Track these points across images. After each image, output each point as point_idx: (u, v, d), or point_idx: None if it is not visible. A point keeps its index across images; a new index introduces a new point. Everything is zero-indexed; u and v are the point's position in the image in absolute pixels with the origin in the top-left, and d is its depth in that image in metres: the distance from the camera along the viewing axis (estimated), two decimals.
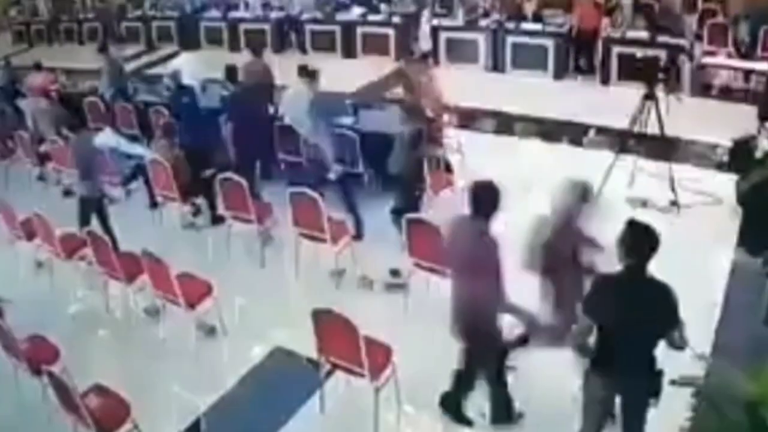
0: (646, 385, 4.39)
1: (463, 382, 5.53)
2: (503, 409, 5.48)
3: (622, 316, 4.20)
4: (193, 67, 10.54)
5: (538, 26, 13.17)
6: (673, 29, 11.82)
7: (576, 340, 4.57)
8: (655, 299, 4.20)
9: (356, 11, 15.90)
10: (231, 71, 9.90)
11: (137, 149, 9.90)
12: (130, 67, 14.34)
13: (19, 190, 10.62)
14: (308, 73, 8.79)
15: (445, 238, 5.38)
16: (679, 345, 4.29)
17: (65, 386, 5.26)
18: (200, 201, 9.23)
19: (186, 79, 10.33)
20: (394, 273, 7.43)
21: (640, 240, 4.22)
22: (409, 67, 10.38)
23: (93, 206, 8.49)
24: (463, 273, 5.06)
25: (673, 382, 4.45)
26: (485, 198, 4.86)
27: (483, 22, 13.84)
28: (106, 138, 9.89)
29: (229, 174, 8.22)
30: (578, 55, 13.22)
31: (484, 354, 5.21)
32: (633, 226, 4.29)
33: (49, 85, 12.98)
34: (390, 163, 7.74)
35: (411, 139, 7.50)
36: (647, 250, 4.18)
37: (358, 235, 8.13)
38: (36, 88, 12.49)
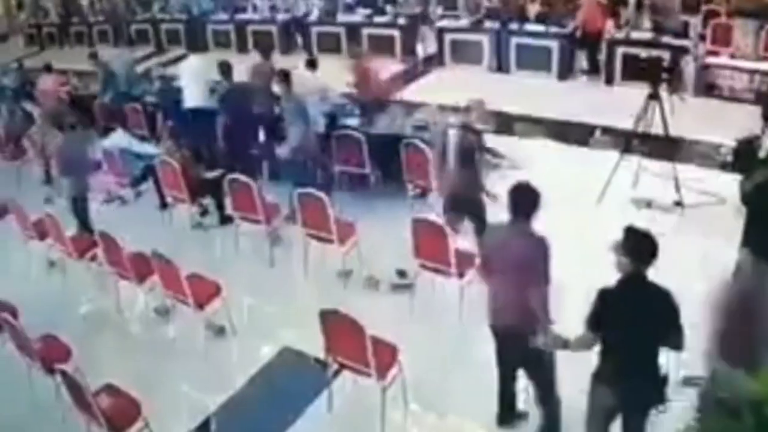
0: (652, 391, 4.40)
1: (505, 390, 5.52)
2: (509, 409, 5.54)
3: (627, 324, 4.21)
4: (201, 69, 10.60)
5: (541, 27, 13.18)
6: (672, 27, 11.83)
7: (575, 350, 4.62)
8: (658, 304, 4.21)
9: (361, 12, 15.97)
10: (224, 67, 10.00)
11: (148, 149, 9.99)
12: (140, 68, 14.40)
13: (30, 190, 10.75)
14: (280, 75, 9.00)
15: (482, 246, 5.35)
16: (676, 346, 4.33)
17: (78, 385, 5.34)
18: (207, 201, 9.31)
19: (193, 81, 10.43)
20: (401, 273, 7.49)
21: (639, 246, 4.22)
22: (358, 58, 10.59)
23: (79, 204, 8.74)
24: (512, 276, 4.93)
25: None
26: (525, 199, 4.87)
27: (487, 23, 13.87)
28: (118, 138, 9.99)
29: (236, 175, 8.31)
30: (591, 56, 13.20)
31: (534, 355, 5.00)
32: (632, 232, 4.27)
33: (59, 87, 13.11)
34: (448, 186, 7.42)
35: (465, 155, 7.13)
36: (647, 256, 4.20)
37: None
38: (46, 90, 12.63)
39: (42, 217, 8.52)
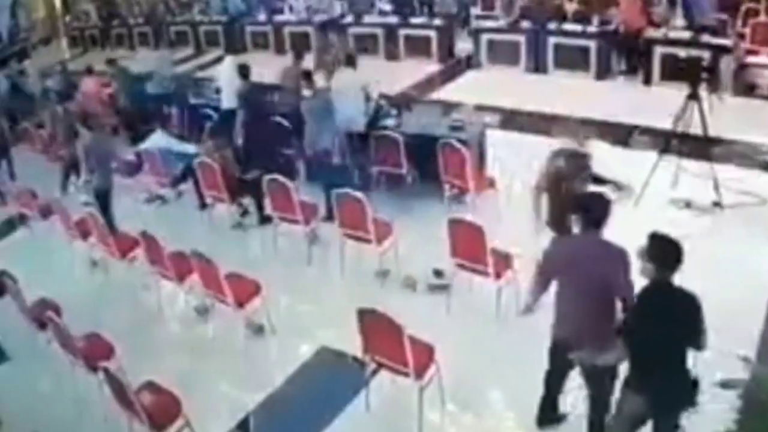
0: (682, 395, 4.34)
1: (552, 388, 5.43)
2: (551, 411, 5.52)
3: (654, 330, 4.16)
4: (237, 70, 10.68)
5: (579, 27, 13.07)
6: (705, 24, 11.65)
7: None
8: (684, 310, 4.16)
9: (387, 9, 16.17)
10: (243, 69, 10.31)
11: (189, 148, 10.09)
12: (179, 70, 14.62)
13: (72, 191, 10.96)
14: (302, 75, 9.11)
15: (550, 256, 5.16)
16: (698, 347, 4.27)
17: (120, 383, 5.43)
18: (247, 201, 9.39)
19: (228, 83, 10.54)
20: (438, 273, 7.49)
21: (664, 252, 4.17)
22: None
23: (103, 196, 9.05)
24: (586, 288, 4.75)
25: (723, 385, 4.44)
26: (596, 208, 4.77)
27: (524, 23, 13.80)
28: (157, 139, 10.13)
29: (275, 175, 8.39)
30: (629, 55, 13.03)
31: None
32: (656, 239, 4.21)
33: (101, 89, 13.32)
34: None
35: (560, 178, 6.35)
36: (672, 262, 4.15)
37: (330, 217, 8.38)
38: (88, 92, 12.85)
39: (84, 216, 8.71)
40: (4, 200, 11.23)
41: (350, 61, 9.83)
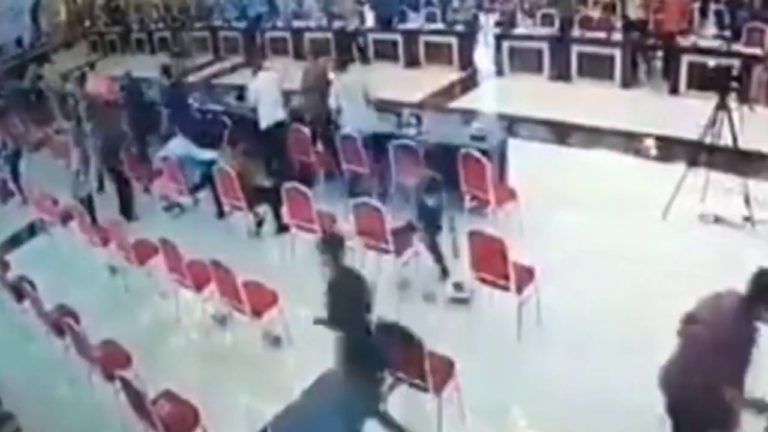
0: None
1: None
2: None
3: None
4: (273, 83, 10.44)
5: (603, 34, 12.91)
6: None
7: None
8: None
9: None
10: (165, 69, 11.38)
11: (207, 155, 10.01)
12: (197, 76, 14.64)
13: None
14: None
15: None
16: None
17: (137, 392, 5.38)
18: (264, 210, 9.26)
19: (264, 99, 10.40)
20: (458, 286, 7.36)
21: None
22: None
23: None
24: (710, 351, 4.29)
25: None
26: None
27: (543, 31, 13.63)
28: (175, 145, 10.06)
29: (294, 184, 8.29)
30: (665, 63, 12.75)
31: None
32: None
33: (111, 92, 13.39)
34: None
35: None
36: None
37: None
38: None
39: (104, 223, 8.69)
40: (25, 201, 11.32)
41: (343, 65, 9.78)
